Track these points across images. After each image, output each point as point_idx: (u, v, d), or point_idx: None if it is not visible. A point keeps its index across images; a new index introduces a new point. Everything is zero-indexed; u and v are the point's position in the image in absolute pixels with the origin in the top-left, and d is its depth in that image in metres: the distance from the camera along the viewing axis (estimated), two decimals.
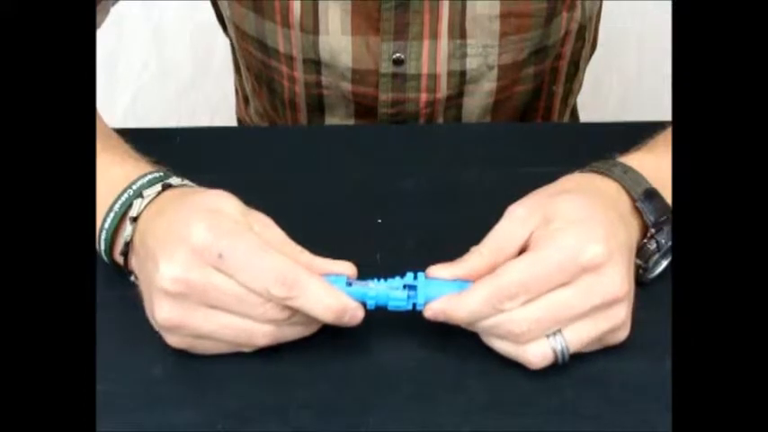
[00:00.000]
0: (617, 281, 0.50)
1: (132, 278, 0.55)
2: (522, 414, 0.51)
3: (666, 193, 0.56)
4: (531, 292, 0.50)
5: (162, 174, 0.56)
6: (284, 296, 0.49)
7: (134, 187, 0.55)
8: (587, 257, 0.50)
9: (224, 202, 0.52)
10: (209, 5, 0.87)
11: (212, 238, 0.49)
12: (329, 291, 0.50)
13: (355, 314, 0.51)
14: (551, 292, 0.50)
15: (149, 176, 0.56)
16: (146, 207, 0.54)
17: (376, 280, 0.52)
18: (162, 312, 0.50)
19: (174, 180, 0.56)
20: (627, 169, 0.57)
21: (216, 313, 0.50)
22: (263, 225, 0.52)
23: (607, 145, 0.60)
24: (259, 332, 0.51)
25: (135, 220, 0.54)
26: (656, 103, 1.38)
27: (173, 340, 0.52)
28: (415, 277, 0.52)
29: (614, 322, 0.51)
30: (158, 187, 0.55)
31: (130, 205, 0.54)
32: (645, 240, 0.56)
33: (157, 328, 0.52)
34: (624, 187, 0.56)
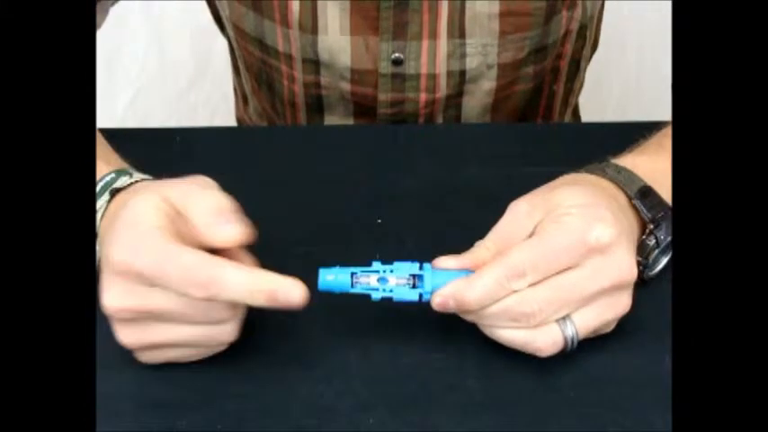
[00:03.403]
0: (625, 264, 0.51)
1: None
2: (522, 414, 0.51)
3: (662, 193, 0.56)
4: (540, 271, 0.50)
5: (113, 175, 0.55)
6: (206, 296, 0.47)
7: None
8: (594, 236, 0.50)
9: (143, 209, 0.49)
10: None
11: (128, 259, 0.48)
12: (249, 275, 0.48)
13: (289, 293, 0.48)
14: (560, 274, 0.50)
15: (101, 183, 0.55)
16: (100, 221, 0.54)
17: (380, 263, 0.52)
18: (122, 338, 0.50)
19: (122, 180, 0.55)
20: (620, 169, 0.57)
21: (171, 326, 0.50)
22: (188, 204, 0.50)
23: (607, 145, 0.60)
24: (223, 332, 0.51)
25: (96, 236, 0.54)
26: (656, 103, 1.38)
27: (145, 357, 0.52)
28: (421, 267, 0.52)
29: (620, 308, 0.52)
30: (107, 196, 0.54)
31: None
32: (644, 237, 0.56)
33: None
34: (619, 186, 0.56)
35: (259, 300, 0.48)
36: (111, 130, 0.62)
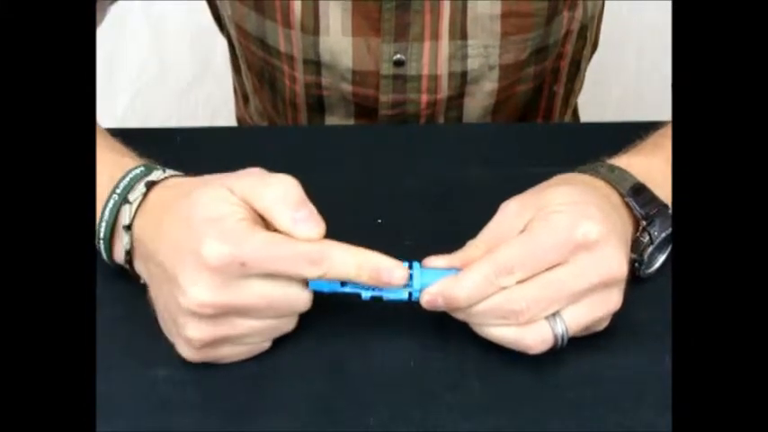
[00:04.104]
0: (614, 261, 0.51)
1: (142, 281, 0.55)
2: (522, 414, 0.51)
3: (658, 191, 0.56)
4: (528, 268, 0.50)
5: (142, 168, 0.56)
6: (320, 274, 0.49)
7: (118, 191, 0.54)
8: (582, 233, 0.50)
9: (220, 204, 0.50)
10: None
11: (229, 251, 0.48)
12: (356, 253, 0.50)
13: (392, 272, 0.50)
14: (549, 271, 0.50)
15: (130, 175, 0.55)
16: (136, 213, 0.54)
17: None
18: (193, 333, 0.50)
19: (156, 174, 0.55)
20: (613, 168, 0.57)
21: (247, 320, 0.51)
22: (257, 195, 0.50)
23: (607, 145, 0.60)
24: (288, 323, 0.53)
25: (129, 227, 0.54)
26: (656, 103, 1.38)
27: (200, 355, 0.52)
28: (411, 266, 0.52)
29: (610, 305, 0.52)
30: (142, 188, 0.54)
31: (119, 211, 0.54)
32: (638, 234, 0.56)
33: (179, 345, 0.52)
34: (611, 184, 0.56)
35: (363, 277, 0.50)
36: (112, 130, 0.62)
